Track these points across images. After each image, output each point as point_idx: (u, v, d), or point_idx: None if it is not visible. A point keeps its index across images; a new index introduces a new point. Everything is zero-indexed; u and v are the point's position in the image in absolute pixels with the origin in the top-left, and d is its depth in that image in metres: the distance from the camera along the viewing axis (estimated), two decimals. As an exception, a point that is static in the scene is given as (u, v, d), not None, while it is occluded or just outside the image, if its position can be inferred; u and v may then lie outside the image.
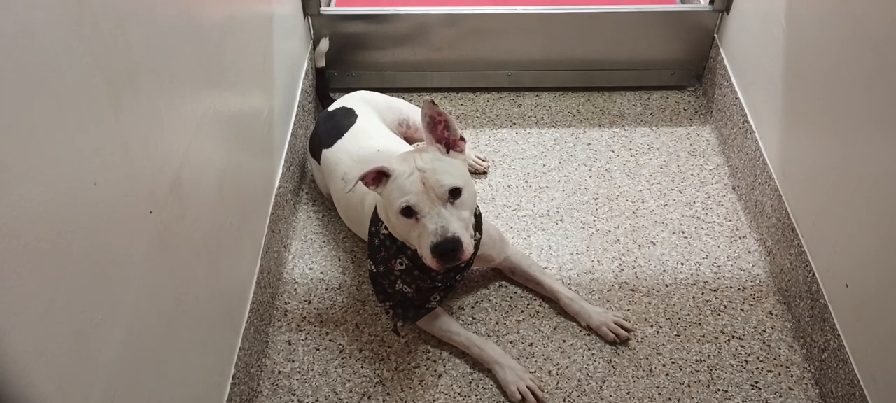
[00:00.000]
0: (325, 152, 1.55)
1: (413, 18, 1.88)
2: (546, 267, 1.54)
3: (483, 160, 1.79)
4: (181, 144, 1.00)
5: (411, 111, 1.73)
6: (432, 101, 1.19)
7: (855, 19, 1.22)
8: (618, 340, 1.40)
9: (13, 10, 0.63)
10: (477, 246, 1.31)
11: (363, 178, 1.19)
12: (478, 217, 1.33)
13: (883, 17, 1.13)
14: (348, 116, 1.58)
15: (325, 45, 1.85)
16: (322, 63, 1.87)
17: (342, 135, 1.53)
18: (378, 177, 1.21)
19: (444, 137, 1.24)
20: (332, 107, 1.67)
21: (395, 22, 1.88)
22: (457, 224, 1.15)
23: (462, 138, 1.25)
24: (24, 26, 0.64)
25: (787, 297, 1.46)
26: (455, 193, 1.16)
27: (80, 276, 0.74)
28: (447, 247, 1.12)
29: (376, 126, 1.58)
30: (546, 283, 1.47)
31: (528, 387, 1.31)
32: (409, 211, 1.16)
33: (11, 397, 0.63)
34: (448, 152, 1.24)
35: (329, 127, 1.58)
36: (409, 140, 1.67)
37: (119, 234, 0.82)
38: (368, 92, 1.73)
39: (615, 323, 1.41)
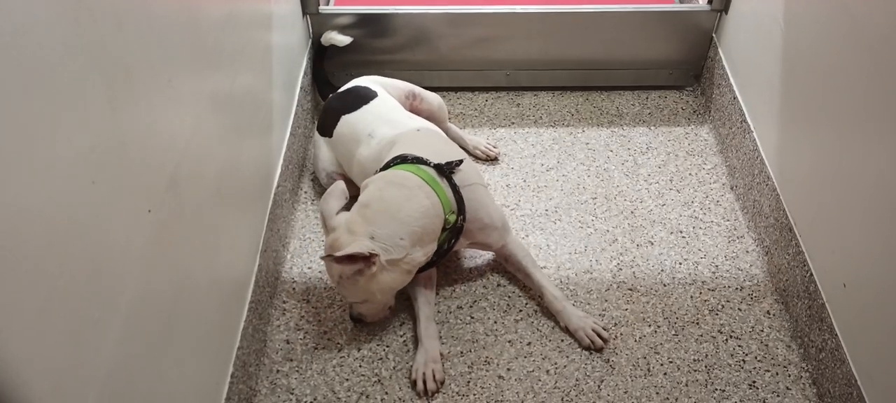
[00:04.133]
0: (345, 118, 1.59)
1: (412, 18, 1.87)
2: (544, 267, 1.54)
3: (494, 147, 1.83)
4: (179, 143, 1.00)
5: (411, 85, 1.76)
6: None
7: (853, 19, 1.22)
8: (593, 347, 1.40)
9: (10, 7, 0.63)
10: (460, 231, 1.37)
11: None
12: (460, 201, 1.36)
13: (880, 17, 1.13)
14: (368, 91, 1.65)
15: (345, 38, 1.86)
16: (331, 42, 1.87)
17: (368, 103, 1.60)
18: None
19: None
20: (346, 87, 1.71)
21: (393, 21, 1.88)
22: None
23: None
24: (21, 24, 0.64)
25: (785, 297, 1.47)
26: None
27: (78, 275, 0.74)
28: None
29: (393, 101, 1.66)
30: (534, 277, 1.47)
31: (431, 372, 1.34)
32: None
33: (6, 397, 0.63)
34: None
35: (349, 99, 1.65)
36: (417, 111, 1.72)
37: (117, 232, 0.82)
38: (370, 76, 1.74)
39: (593, 330, 1.40)
